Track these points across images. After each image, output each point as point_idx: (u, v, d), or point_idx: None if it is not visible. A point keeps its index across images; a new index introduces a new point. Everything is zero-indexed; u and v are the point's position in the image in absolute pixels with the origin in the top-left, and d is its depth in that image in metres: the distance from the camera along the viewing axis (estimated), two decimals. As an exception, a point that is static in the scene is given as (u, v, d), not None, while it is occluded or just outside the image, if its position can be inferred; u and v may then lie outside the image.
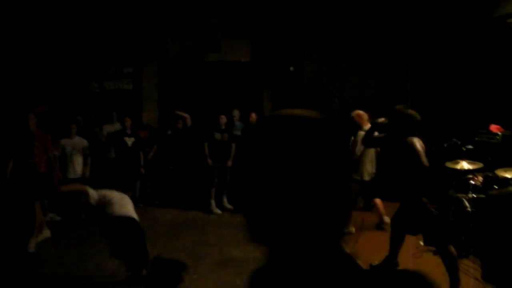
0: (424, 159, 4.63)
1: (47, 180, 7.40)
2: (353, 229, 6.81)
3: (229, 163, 9.50)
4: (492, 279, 1.40)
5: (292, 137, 0.93)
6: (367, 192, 7.60)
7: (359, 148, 7.13)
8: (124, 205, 5.89)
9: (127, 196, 6.13)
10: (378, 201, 7.67)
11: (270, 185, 0.92)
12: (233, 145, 9.55)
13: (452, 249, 4.86)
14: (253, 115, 9.62)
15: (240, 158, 0.95)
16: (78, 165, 8.83)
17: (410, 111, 5.02)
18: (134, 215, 5.88)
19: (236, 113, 10.07)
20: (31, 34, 10.24)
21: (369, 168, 7.36)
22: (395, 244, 5.57)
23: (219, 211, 9.41)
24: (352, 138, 7.28)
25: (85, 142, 8.94)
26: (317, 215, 0.92)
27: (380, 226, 7.57)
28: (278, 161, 0.92)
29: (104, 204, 5.83)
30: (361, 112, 7.33)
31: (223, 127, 9.59)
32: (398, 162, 4.96)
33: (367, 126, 6.67)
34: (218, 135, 9.54)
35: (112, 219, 5.71)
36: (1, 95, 10.11)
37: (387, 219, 7.16)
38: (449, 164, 6.40)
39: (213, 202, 9.47)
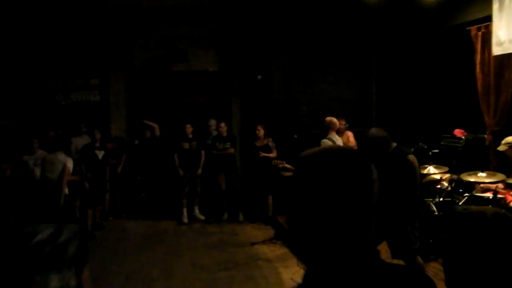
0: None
1: None
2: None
3: (199, 171, 9.47)
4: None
5: (336, 169, 1.14)
6: None
7: None
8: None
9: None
10: None
11: (322, 211, 1.13)
12: (203, 152, 9.51)
13: (420, 260, 4.82)
14: (223, 125, 9.54)
15: (293, 191, 1.14)
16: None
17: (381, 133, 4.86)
18: None
19: (212, 122, 9.96)
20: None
21: None
22: None
23: (186, 220, 9.38)
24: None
25: None
26: (360, 232, 1.14)
27: None
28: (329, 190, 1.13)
29: None
30: (334, 119, 6.94)
31: (190, 136, 9.55)
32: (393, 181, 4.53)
33: (333, 135, 6.71)
34: (186, 145, 9.50)
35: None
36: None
37: None
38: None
39: (185, 212, 9.41)
